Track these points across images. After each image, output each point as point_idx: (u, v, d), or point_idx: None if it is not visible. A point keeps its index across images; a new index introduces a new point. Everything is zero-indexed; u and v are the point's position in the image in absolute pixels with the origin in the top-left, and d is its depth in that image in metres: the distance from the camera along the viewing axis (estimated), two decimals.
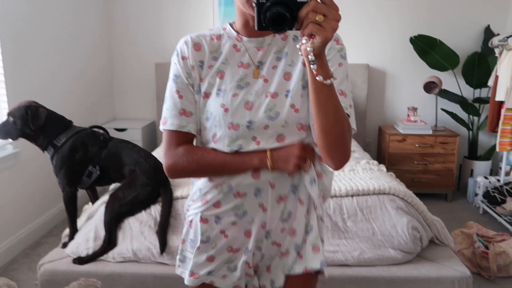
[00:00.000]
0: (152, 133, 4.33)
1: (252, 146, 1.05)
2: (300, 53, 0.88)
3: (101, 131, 2.35)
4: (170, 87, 1.10)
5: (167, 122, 1.09)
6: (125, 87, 4.37)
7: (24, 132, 2.19)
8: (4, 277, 2.52)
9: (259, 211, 1.11)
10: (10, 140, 2.83)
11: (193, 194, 1.18)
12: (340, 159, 1.01)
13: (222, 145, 1.06)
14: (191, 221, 1.18)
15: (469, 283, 1.93)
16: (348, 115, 1.03)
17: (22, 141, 2.29)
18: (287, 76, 1.06)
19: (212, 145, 1.08)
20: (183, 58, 1.08)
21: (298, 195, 1.12)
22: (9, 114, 2.20)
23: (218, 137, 1.06)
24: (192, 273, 1.17)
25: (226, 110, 1.04)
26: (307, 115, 1.06)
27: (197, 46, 1.09)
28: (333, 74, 0.91)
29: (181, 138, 1.09)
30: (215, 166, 1.06)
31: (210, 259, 1.16)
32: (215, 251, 1.15)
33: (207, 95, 1.08)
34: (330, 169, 1.13)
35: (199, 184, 1.15)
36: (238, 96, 1.05)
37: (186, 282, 1.18)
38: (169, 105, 1.09)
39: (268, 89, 1.05)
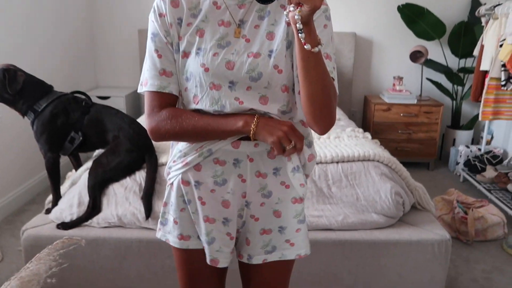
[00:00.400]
0: (136, 101, 4.26)
1: (236, 106, 1.02)
2: (286, 19, 0.86)
3: (83, 96, 2.29)
4: (149, 47, 1.06)
5: (148, 83, 1.05)
6: (107, 54, 4.26)
7: (1, 96, 2.12)
8: None
9: (238, 181, 1.10)
10: None
11: (173, 156, 1.15)
12: (326, 124, 1.01)
13: (204, 105, 1.04)
14: (172, 184, 1.16)
15: (448, 246, 1.99)
16: (333, 79, 1.03)
17: (1, 106, 2.23)
18: (270, 35, 1.03)
19: (193, 106, 1.05)
20: (160, 15, 1.04)
21: (281, 178, 1.10)
22: None
23: (200, 98, 1.03)
24: (181, 236, 1.16)
25: (206, 69, 1.01)
26: (291, 76, 1.04)
27: (174, 2, 1.04)
28: (320, 41, 0.90)
29: (163, 99, 1.05)
30: (199, 129, 1.02)
31: (194, 222, 1.15)
32: (195, 216, 1.14)
33: (186, 54, 1.04)
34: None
35: (179, 146, 1.13)
36: (219, 56, 1.01)
37: (173, 244, 1.17)
38: (149, 65, 1.06)
39: (250, 49, 1.02)
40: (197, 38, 1.03)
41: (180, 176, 1.12)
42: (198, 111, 1.05)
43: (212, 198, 1.11)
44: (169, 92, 1.05)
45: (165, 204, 1.19)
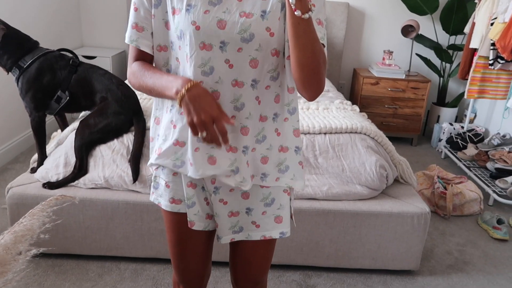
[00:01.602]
0: (122, 63, 4.17)
1: (225, 69, 1.01)
2: None
3: (70, 54, 2.23)
4: None
5: (126, 34, 1.10)
6: (93, 12, 4.12)
7: None
8: None
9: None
10: None
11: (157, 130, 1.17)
12: (315, 91, 1.01)
13: (192, 66, 1.01)
14: (159, 147, 1.15)
15: (427, 219, 2.06)
16: (323, 45, 1.02)
17: None
18: None
19: (185, 65, 1.04)
20: None
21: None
22: None
23: (189, 57, 1.01)
24: (173, 199, 1.17)
25: (197, 28, 0.99)
26: (282, 39, 1.03)
27: None
28: (311, 7, 0.89)
29: (136, 52, 1.10)
30: (150, 87, 1.04)
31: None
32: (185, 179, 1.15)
33: (175, 11, 1.01)
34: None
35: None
36: (210, 13, 0.99)
37: (164, 207, 1.19)
38: (129, 17, 1.09)
39: (242, 8, 0.99)
40: None
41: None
42: (154, 71, 1.06)
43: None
44: (136, 46, 1.07)
45: (157, 168, 1.19)
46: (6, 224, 2.34)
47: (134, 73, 1.08)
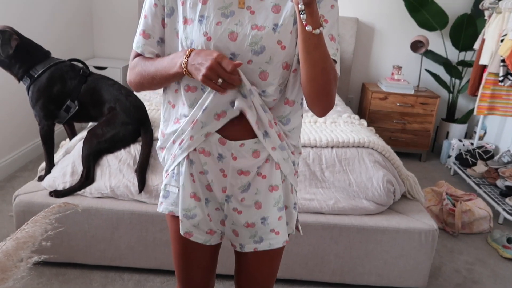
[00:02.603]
0: None
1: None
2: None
3: (80, 65, 2.26)
4: (144, 6, 1.10)
5: (134, 41, 1.12)
6: (105, 23, 4.19)
7: None
8: None
9: (220, 175, 1.10)
10: None
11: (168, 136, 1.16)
12: (324, 107, 1.01)
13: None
14: (173, 153, 1.15)
15: (435, 236, 2.03)
16: (335, 61, 1.02)
17: None
18: (275, 8, 1.01)
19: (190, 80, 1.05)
20: None
21: (259, 170, 1.10)
22: None
23: None
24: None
25: (208, 39, 0.99)
26: (294, 53, 1.03)
27: None
28: (323, 23, 0.89)
29: (137, 55, 1.12)
30: (152, 73, 1.05)
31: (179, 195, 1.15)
32: (182, 189, 1.13)
33: (187, 21, 1.02)
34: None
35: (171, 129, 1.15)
36: (222, 25, 0.99)
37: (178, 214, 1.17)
38: (138, 25, 1.11)
39: (254, 21, 1.00)
40: (200, 4, 1.01)
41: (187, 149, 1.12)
42: (154, 57, 1.08)
43: (199, 179, 1.12)
44: (141, 52, 1.09)
45: (167, 175, 1.17)
46: (12, 231, 2.35)
47: (135, 67, 1.10)
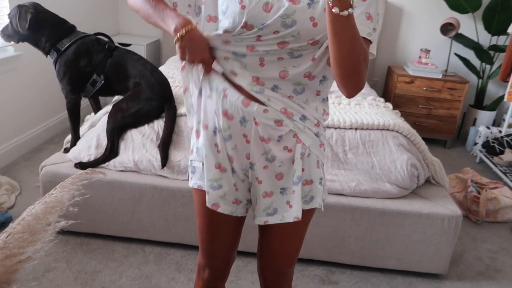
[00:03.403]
0: (156, 51, 4.23)
1: (251, 40, 1.01)
2: None
3: (106, 39, 2.27)
4: None
5: None
6: None
7: (20, 34, 2.11)
8: (7, 176, 2.58)
9: (243, 141, 1.10)
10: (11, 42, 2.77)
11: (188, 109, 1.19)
12: (353, 88, 0.98)
13: (233, 38, 1.03)
14: (197, 131, 1.17)
15: (458, 222, 1.99)
16: (370, 41, 0.99)
17: (24, 44, 2.23)
18: None
19: (222, 33, 1.04)
20: None
21: (284, 143, 1.09)
22: (8, 15, 2.12)
23: (231, 34, 1.02)
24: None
25: (243, 7, 0.98)
26: (325, 29, 0.99)
27: None
28: (353, 4, 0.85)
29: None
30: (148, 14, 1.09)
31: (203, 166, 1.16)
32: (206, 159, 1.14)
33: None
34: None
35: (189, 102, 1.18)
36: None
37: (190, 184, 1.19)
38: None
39: None
40: None
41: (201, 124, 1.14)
42: None
43: (223, 148, 1.12)
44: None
45: (191, 152, 1.20)
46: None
47: None
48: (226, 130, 1.09)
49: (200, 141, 1.16)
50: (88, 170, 0.91)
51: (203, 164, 1.15)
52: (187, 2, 1.10)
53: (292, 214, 1.14)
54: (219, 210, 1.16)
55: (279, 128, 1.08)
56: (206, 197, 1.16)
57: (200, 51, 1.04)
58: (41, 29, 2.11)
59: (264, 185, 1.13)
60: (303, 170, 1.13)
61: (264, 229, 1.23)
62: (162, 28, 1.07)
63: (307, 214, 1.19)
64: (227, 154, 1.13)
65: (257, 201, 1.16)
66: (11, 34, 2.14)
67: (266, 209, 1.15)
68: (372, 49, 1.01)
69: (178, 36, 1.02)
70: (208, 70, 1.09)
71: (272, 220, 1.16)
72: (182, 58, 1.05)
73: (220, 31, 1.04)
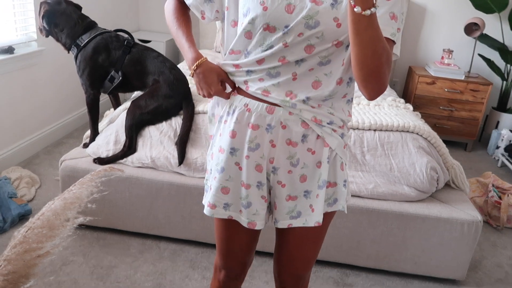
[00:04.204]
0: (175, 48, 4.25)
1: (280, 49, 1.00)
2: None
3: (125, 35, 2.29)
4: None
5: None
6: None
7: (45, 28, 2.17)
8: (27, 169, 2.63)
9: (269, 146, 1.09)
10: (35, 37, 2.83)
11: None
12: (374, 91, 0.96)
13: (254, 42, 1.02)
14: (212, 153, 1.18)
15: (478, 228, 1.95)
16: (394, 42, 0.97)
17: (47, 40, 2.27)
18: None
19: (244, 40, 1.04)
20: None
21: (308, 145, 1.08)
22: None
23: (253, 36, 1.02)
24: (209, 203, 1.17)
25: (265, 8, 0.97)
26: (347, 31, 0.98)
27: None
28: (376, 3, 0.83)
29: (182, 1, 1.18)
30: (173, 34, 1.18)
31: (225, 190, 1.14)
32: (229, 183, 1.13)
33: None
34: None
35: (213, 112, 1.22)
36: None
37: (204, 211, 1.19)
38: None
39: None
40: None
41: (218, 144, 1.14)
42: (181, 23, 1.16)
43: (247, 164, 1.11)
44: (189, 5, 1.15)
45: (207, 171, 1.22)
46: (58, 194, 2.46)
47: (169, 11, 1.19)
48: (253, 141, 1.09)
49: (214, 162, 1.16)
50: (107, 167, 0.91)
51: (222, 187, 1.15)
52: (215, 7, 1.10)
53: (314, 218, 1.14)
54: (257, 227, 1.16)
55: (305, 129, 1.07)
56: (240, 216, 1.16)
57: (209, 86, 1.09)
58: (60, 24, 2.15)
59: (288, 188, 1.13)
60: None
61: (284, 232, 1.22)
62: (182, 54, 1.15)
63: (329, 216, 1.19)
64: (254, 166, 1.11)
65: (279, 204, 1.15)
66: (41, 28, 2.21)
67: (289, 212, 1.15)
68: (396, 50, 1.00)
69: (191, 73, 1.10)
70: (226, 97, 1.12)
71: (296, 223, 1.15)
72: (198, 93, 1.12)
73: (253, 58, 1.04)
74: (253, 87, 1.06)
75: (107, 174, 0.91)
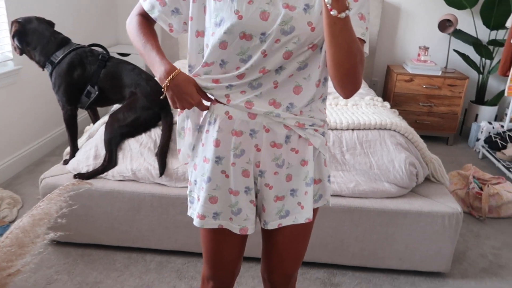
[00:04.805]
0: None
1: (260, 59, 1.01)
2: None
3: (100, 49, 2.29)
4: None
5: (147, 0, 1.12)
6: (130, 10, 4.22)
7: (19, 46, 2.17)
8: (9, 190, 2.60)
9: (254, 151, 1.10)
10: (11, 56, 2.81)
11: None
12: (350, 89, 0.99)
13: (230, 53, 1.03)
14: (195, 164, 1.18)
15: (459, 219, 1.97)
16: (364, 41, 1.00)
17: (24, 58, 2.26)
18: None
19: (219, 51, 1.03)
20: None
21: (291, 145, 1.10)
22: None
23: (228, 45, 1.02)
24: (198, 215, 1.16)
25: (240, 17, 0.98)
26: (323, 33, 1.00)
27: None
28: (349, 5, 0.86)
29: (143, 10, 1.14)
30: (139, 52, 1.12)
31: (213, 200, 1.14)
32: (217, 192, 1.14)
33: None
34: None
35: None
36: (254, 4, 0.98)
37: (194, 223, 1.18)
38: None
39: (285, 0, 0.99)
40: None
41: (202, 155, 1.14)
42: (148, 37, 1.11)
43: (234, 171, 1.11)
44: (155, 19, 1.12)
45: (190, 183, 1.21)
46: None
47: (133, 28, 1.14)
48: (238, 147, 1.09)
49: (199, 173, 1.16)
50: (75, 181, 0.91)
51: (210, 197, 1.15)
52: (182, 19, 1.10)
53: (304, 215, 1.16)
54: (249, 232, 1.17)
55: (288, 130, 1.09)
56: (231, 224, 1.16)
57: (188, 97, 1.06)
58: (32, 42, 2.15)
59: (275, 189, 1.14)
60: None
61: (273, 233, 1.23)
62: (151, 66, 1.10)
63: (315, 212, 1.21)
64: (240, 172, 1.12)
65: (268, 206, 1.16)
66: (15, 47, 2.20)
67: (278, 213, 1.16)
68: (365, 48, 1.03)
69: (164, 86, 1.04)
70: (203, 109, 1.10)
71: (285, 222, 1.17)
72: (174, 106, 1.08)
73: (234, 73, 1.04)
74: (236, 100, 1.07)
75: (75, 188, 0.91)
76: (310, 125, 1.10)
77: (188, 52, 1.12)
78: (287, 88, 1.06)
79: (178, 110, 1.16)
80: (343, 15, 0.86)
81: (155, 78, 1.08)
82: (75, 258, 2.10)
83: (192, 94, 1.06)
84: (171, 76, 1.03)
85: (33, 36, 2.15)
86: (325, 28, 0.90)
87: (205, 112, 1.14)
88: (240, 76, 1.04)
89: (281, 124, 1.08)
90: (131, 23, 1.15)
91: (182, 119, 1.19)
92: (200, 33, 1.08)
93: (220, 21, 1.00)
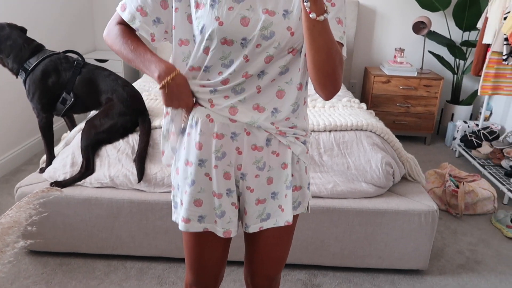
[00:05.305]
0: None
1: (242, 64, 1.03)
2: None
3: (75, 56, 2.27)
4: None
5: (126, 10, 1.09)
6: (107, 16, 4.19)
7: None
8: None
9: (235, 154, 1.11)
10: None
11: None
12: (330, 91, 1.02)
13: (213, 59, 1.04)
14: (177, 168, 1.18)
15: (435, 217, 2.01)
16: (342, 44, 1.03)
17: None
18: None
19: (203, 56, 1.05)
20: None
21: (272, 148, 1.11)
22: None
23: (211, 50, 1.03)
24: (183, 218, 1.16)
25: (220, 23, 0.99)
26: (302, 38, 1.03)
27: None
28: (327, 9, 0.89)
29: (121, 20, 1.11)
30: (129, 58, 1.09)
31: (198, 203, 1.15)
32: (201, 195, 1.14)
33: (199, 5, 1.02)
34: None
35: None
36: (234, 10, 1.00)
37: (179, 227, 1.18)
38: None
39: (265, 5, 1.00)
40: None
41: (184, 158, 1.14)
42: (136, 42, 1.08)
43: (216, 173, 1.12)
44: (136, 29, 1.09)
45: (173, 188, 1.21)
46: None
47: (115, 37, 1.10)
48: (219, 150, 1.10)
49: (182, 177, 1.16)
50: (44, 188, 0.90)
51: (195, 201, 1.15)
52: (163, 28, 1.10)
53: (284, 218, 1.17)
54: (232, 235, 1.17)
55: (268, 134, 1.10)
56: (216, 227, 1.16)
57: (185, 97, 1.07)
58: (4, 50, 2.11)
59: (256, 192, 1.15)
60: (292, 175, 1.16)
61: (255, 236, 1.23)
62: (145, 73, 1.08)
63: (294, 219, 1.22)
64: (222, 174, 1.12)
65: (249, 209, 1.17)
66: None
67: (259, 216, 1.17)
68: (343, 51, 1.05)
69: (163, 83, 1.03)
70: (189, 112, 1.12)
71: (266, 224, 1.18)
72: (168, 105, 1.07)
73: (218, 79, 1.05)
74: (220, 105, 1.07)
75: (45, 195, 0.90)
76: (292, 134, 1.12)
77: (172, 61, 1.11)
78: (270, 93, 1.08)
79: (164, 112, 1.16)
80: (321, 17, 0.88)
81: (153, 78, 1.05)
82: (53, 268, 2.06)
83: (189, 96, 1.08)
84: (173, 74, 1.03)
85: (5, 43, 2.11)
86: (304, 31, 0.92)
87: (180, 118, 1.15)
88: (224, 82, 1.06)
89: (261, 128, 1.09)
90: (112, 33, 1.12)
91: (168, 121, 1.17)
92: (184, 42, 1.08)
93: (202, 28, 1.02)
